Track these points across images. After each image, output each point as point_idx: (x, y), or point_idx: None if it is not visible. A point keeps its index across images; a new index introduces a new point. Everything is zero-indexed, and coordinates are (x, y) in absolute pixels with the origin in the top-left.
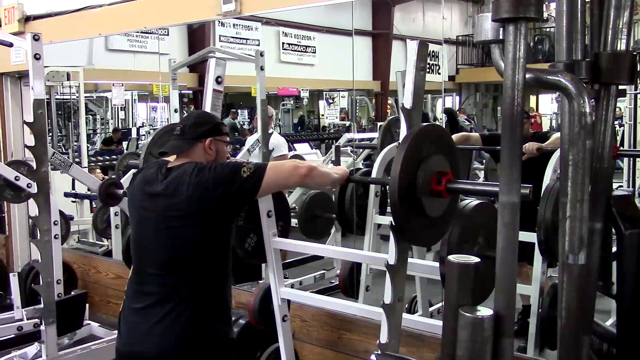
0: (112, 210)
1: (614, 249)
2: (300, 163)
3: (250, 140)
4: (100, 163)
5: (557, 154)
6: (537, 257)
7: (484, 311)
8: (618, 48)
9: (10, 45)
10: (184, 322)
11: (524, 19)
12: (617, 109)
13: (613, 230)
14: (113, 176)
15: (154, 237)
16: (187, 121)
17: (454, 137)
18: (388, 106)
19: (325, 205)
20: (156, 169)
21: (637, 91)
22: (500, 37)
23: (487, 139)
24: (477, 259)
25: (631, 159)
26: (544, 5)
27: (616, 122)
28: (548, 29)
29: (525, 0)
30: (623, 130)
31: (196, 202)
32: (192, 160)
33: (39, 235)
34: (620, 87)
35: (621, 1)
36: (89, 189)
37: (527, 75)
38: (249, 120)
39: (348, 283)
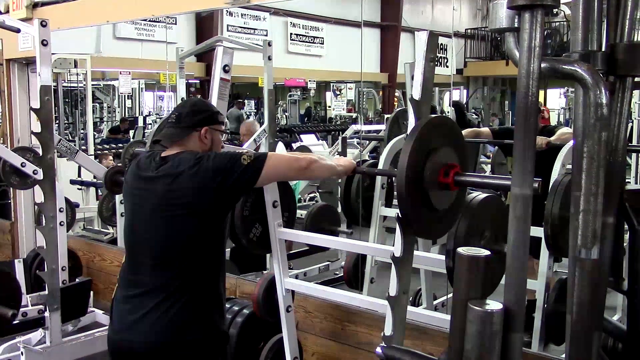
0: (118, 198)
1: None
2: (301, 155)
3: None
4: (106, 151)
5: (565, 148)
6: (544, 252)
7: (493, 305)
8: (635, 39)
9: (18, 31)
10: (176, 313)
11: (541, 6)
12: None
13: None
14: (119, 164)
15: (148, 226)
16: (182, 109)
17: (465, 132)
18: (395, 98)
19: (331, 218)
20: (150, 157)
21: None
22: (516, 25)
23: (499, 134)
24: (487, 252)
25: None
26: None
27: None
28: (557, 23)
29: None
30: (631, 126)
31: (195, 191)
32: (187, 150)
33: (44, 222)
34: (637, 79)
35: None
36: (94, 177)
37: (543, 65)
38: (255, 110)
39: (352, 275)
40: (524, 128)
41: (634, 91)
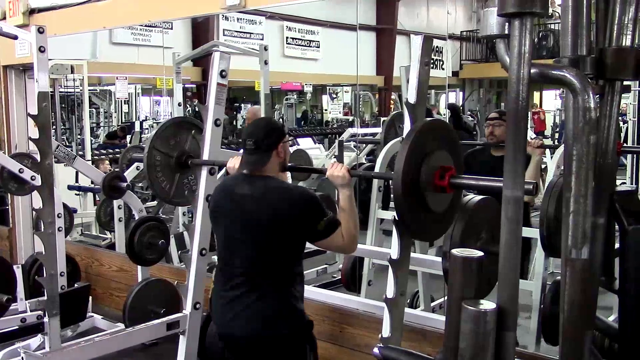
0: (116, 203)
1: (617, 244)
2: (354, 240)
3: None
4: (103, 156)
5: (560, 150)
6: (539, 253)
7: (487, 304)
8: (623, 44)
9: (15, 37)
10: (268, 309)
11: (530, 13)
12: (623, 105)
13: (616, 225)
14: (116, 169)
15: (241, 238)
16: (257, 133)
17: None
18: (391, 101)
19: (328, 205)
20: (240, 179)
21: None
22: (506, 31)
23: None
24: (480, 253)
25: (635, 155)
26: (549, 0)
27: (620, 119)
28: (553, 26)
29: None
30: (627, 127)
31: (276, 219)
32: (272, 173)
33: (42, 227)
34: (625, 83)
35: None
36: (92, 182)
37: (532, 70)
38: None
39: (350, 277)
40: (515, 132)
41: (628, 93)
